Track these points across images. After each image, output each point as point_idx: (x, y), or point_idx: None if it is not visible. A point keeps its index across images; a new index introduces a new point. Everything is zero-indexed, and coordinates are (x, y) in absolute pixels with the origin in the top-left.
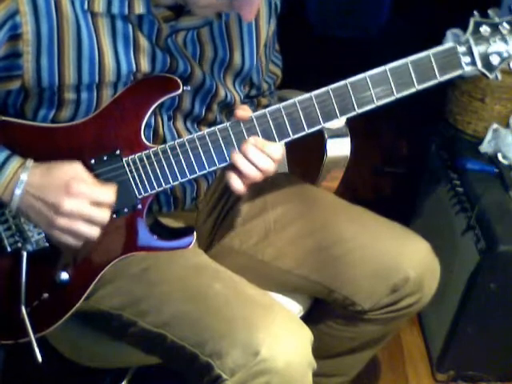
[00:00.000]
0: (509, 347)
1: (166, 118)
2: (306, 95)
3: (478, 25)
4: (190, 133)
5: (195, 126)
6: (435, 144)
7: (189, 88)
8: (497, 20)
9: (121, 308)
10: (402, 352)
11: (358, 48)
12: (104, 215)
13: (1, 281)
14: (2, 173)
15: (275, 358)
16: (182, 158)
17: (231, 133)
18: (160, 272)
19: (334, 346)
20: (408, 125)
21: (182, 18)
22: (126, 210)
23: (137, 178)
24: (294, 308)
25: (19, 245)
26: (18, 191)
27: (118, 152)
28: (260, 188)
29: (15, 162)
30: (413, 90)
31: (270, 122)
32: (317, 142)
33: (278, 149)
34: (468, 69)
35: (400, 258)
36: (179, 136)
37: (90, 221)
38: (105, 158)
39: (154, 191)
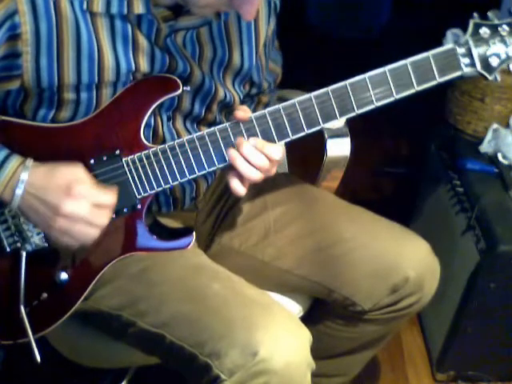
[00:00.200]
0: (509, 347)
1: (165, 118)
2: (306, 96)
3: (477, 26)
4: (190, 133)
5: (195, 126)
6: (435, 144)
7: (188, 88)
8: (496, 22)
9: (120, 308)
10: (402, 352)
11: (359, 48)
12: (104, 218)
13: (0, 281)
14: (2, 171)
15: (274, 359)
16: (181, 158)
17: (231, 133)
18: (159, 272)
19: (334, 347)
20: (408, 125)
21: (181, 18)
22: (125, 210)
23: (136, 178)
24: (293, 308)
25: (18, 245)
26: (18, 191)
27: (117, 152)
28: (260, 188)
29: (14, 160)
30: (412, 91)
31: (270, 122)
32: (317, 142)
33: (277, 150)
34: (467, 70)
35: (400, 258)
36: (179, 136)
37: (89, 223)
38: (104, 158)
39: (153, 191)
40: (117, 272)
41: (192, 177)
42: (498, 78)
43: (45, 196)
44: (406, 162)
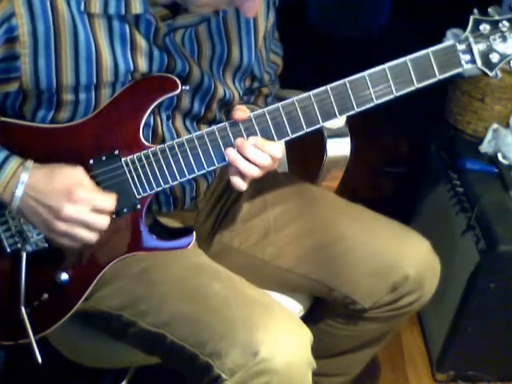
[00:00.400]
0: (509, 347)
1: (164, 118)
2: (305, 94)
3: (477, 23)
4: (189, 132)
5: (194, 124)
6: (435, 144)
7: (187, 88)
8: (496, 18)
9: (120, 308)
10: (402, 352)
11: (359, 49)
12: (103, 222)
13: (0, 281)
14: (1, 173)
15: (275, 358)
16: (180, 157)
17: (230, 132)
18: (160, 272)
19: (334, 345)
20: (408, 125)
21: (179, 17)
22: (125, 210)
23: (136, 178)
24: (294, 307)
25: (19, 245)
26: (18, 192)
27: (116, 152)
28: (260, 187)
29: (14, 161)
30: (412, 89)
31: (269, 121)
32: (317, 141)
33: (277, 147)
34: (467, 67)
35: (400, 257)
36: (178, 135)
37: (88, 227)
38: (104, 158)
39: (153, 191)
40: (117, 272)
41: (191, 176)
42: (499, 75)
43: (45, 199)
44: (406, 161)
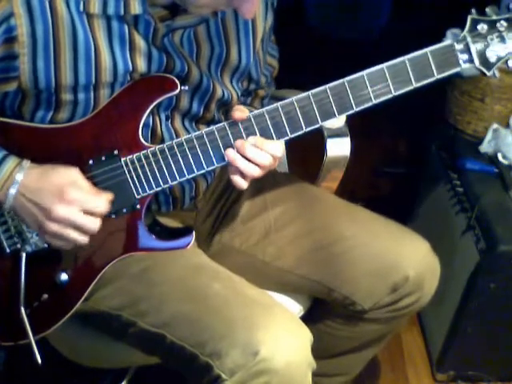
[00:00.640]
0: (509, 347)
1: (163, 118)
2: (304, 94)
3: (475, 22)
4: (188, 132)
5: (193, 124)
6: (435, 144)
7: (186, 88)
8: (494, 17)
9: (120, 308)
10: (402, 352)
11: (358, 49)
12: (94, 224)
13: (0, 282)
14: None
15: (275, 358)
16: (180, 157)
17: (229, 132)
18: (159, 272)
19: (334, 346)
20: (408, 125)
21: (178, 17)
22: (124, 210)
23: (135, 178)
24: (294, 308)
25: (18, 246)
26: (12, 190)
27: (116, 152)
28: (260, 187)
29: (11, 161)
30: (410, 88)
31: (268, 121)
32: (317, 141)
33: (277, 146)
34: (465, 66)
35: (400, 258)
36: (177, 135)
37: (79, 229)
38: (103, 158)
39: (152, 191)
40: (117, 272)
41: (191, 176)
42: (497, 74)
43: (38, 199)
44: (406, 161)
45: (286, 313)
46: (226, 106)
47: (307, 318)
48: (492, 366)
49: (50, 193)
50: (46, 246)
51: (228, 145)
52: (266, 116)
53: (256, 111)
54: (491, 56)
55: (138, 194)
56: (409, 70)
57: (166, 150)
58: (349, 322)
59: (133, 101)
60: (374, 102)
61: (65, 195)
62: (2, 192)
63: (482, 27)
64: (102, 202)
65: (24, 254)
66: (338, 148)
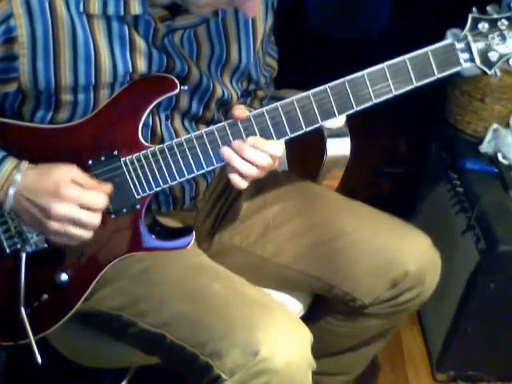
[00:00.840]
0: (509, 347)
1: (163, 118)
2: (304, 94)
3: (476, 21)
4: (188, 132)
5: (193, 124)
6: (435, 144)
7: (186, 88)
8: (495, 16)
9: (120, 308)
10: (402, 352)
11: (358, 50)
12: (94, 219)
13: (0, 282)
14: None
15: (275, 358)
16: (179, 157)
17: (229, 132)
18: (159, 272)
19: (334, 344)
20: (408, 125)
21: (179, 17)
22: (124, 210)
23: (135, 178)
24: (294, 306)
25: (18, 246)
26: (12, 191)
27: (115, 152)
28: (260, 186)
29: (10, 162)
30: (411, 87)
31: (268, 120)
32: (317, 141)
33: (277, 146)
34: (466, 65)
35: (401, 253)
36: (177, 135)
37: (79, 224)
38: (103, 158)
39: (152, 191)
40: (117, 272)
41: (191, 176)
42: (498, 73)
43: (36, 198)
44: (406, 161)
45: (286, 313)
46: (225, 106)
47: (307, 317)
48: (492, 366)
49: (47, 192)
50: (46, 246)
51: (228, 145)
52: (266, 116)
53: (256, 111)
54: (492, 55)
55: (138, 194)
56: (409, 69)
57: (166, 150)
58: (349, 318)
59: (132, 101)
60: (375, 101)
61: (61, 193)
62: (2, 192)
63: (483, 26)
64: (99, 195)
65: (24, 254)
66: (338, 148)
